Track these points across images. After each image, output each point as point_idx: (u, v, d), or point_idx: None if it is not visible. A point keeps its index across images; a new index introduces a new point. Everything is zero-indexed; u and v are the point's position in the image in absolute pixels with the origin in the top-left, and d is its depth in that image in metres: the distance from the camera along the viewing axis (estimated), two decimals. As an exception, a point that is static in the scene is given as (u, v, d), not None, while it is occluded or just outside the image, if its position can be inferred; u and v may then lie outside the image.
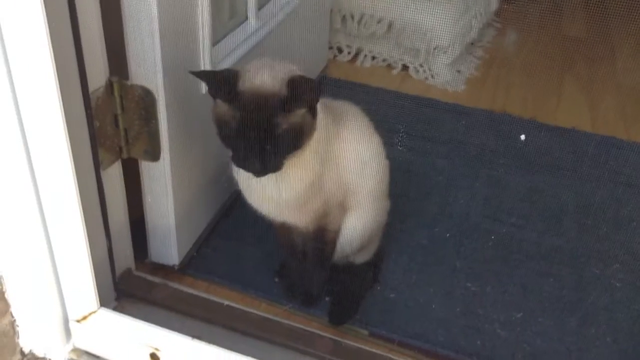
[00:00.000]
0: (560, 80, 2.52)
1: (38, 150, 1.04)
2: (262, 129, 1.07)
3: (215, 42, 1.46)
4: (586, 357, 1.37)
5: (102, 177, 1.23)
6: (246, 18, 1.65)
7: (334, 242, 1.36)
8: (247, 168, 1.12)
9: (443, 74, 2.50)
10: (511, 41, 2.96)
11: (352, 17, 2.56)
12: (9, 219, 1.12)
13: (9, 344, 1.23)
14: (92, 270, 1.17)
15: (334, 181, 1.26)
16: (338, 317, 1.42)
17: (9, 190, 1.09)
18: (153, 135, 1.28)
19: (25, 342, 1.26)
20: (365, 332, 1.40)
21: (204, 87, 1.41)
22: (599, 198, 1.88)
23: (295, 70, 1.13)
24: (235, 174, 1.25)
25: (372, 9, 2.52)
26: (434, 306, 1.47)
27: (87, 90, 1.13)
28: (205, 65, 1.38)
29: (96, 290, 1.20)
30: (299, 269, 1.44)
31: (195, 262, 1.54)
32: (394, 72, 2.58)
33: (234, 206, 1.69)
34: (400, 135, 1.81)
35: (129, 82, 1.23)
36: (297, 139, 1.11)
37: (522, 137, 2.08)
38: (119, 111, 1.23)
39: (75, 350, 1.27)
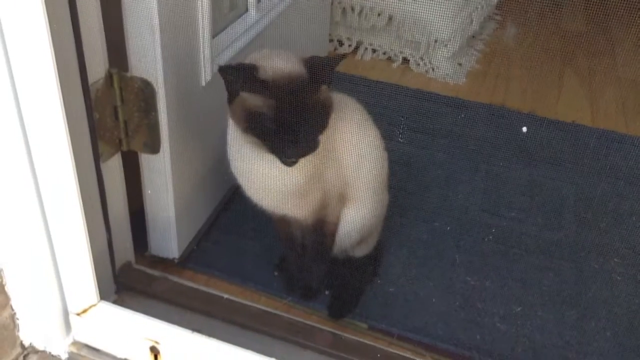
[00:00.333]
0: (560, 74, 2.52)
1: (38, 142, 1.04)
2: (298, 111, 1.08)
3: (215, 33, 1.45)
4: (586, 350, 1.37)
5: (102, 170, 1.22)
6: (246, 10, 1.64)
7: (333, 235, 1.36)
8: (289, 154, 1.11)
9: (444, 67, 2.50)
10: (512, 34, 2.95)
11: (353, 9, 2.55)
12: (9, 212, 1.11)
13: (9, 337, 1.23)
14: (92, 263, 1.17)
15: (334, 172, 1.26)
16: (338, 311, 1.42)
17: (9, 183, 1.08)
18: (153, 127, 1.28)
19: (26, 335, 1.25)
20: (365, 326, 1.40)
21: (204, 79, 1.40)
22: (599, 192, 1.88)
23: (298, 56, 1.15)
24: (233, 169, 1.25)
25: (373, 1, 2.51)
26: (433, 300, 1.47)
27: (87, 82, 1.12)
28: (205, 57, 1.37)
29: (96, 284, 1.20)
30: (299, 263, 1.44)
31: (195, 256, 1.54)
32: (395, 65, 2.57)
33: (234, 200, 1.69)
34: (401, 127, 1.80)
35: (128, 74, 1.22)
36: (326, 115, 1.14)
37: (524, 129, 2.08)
38: (118, 103, 1.22)
39: (76, 343, 1.27)
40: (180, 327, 1.18)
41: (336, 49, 2.62)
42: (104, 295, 1.23)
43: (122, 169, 1.31)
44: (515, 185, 1.88)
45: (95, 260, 1.17)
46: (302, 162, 1.17)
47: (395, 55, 2.59)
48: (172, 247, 1.48)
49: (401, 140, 1.80)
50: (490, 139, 2.06)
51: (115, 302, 1.31)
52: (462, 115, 2.20)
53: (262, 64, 1.10)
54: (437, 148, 2.01)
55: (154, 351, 1.20)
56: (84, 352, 1.26)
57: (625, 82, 2.50)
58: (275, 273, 1.51)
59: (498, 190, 1.85)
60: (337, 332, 1.31)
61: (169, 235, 1.46)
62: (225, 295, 1.38)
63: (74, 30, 1.05)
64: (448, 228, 1.69)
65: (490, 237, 1.67)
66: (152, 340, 1.19)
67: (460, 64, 2.56)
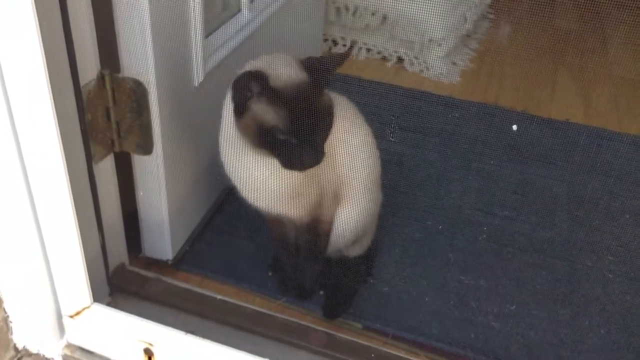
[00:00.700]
0: (553, 72, 2.52)
1: (29, 144, 1.03)
2: (310, 117, 1.07)
3: (207, 33, 1.44)
4: (580, 348, 1.38)
5: (95, 171, 1.22)
6: (239, 9, 1.64)
7: (327, 235, 1.36)
8: (307, 164, 1.08)
9: (438, 66, 2.50)
10: (505, 33, 2.95)
11: (347, 9, 2.55)
12: (0, 215, 1.11)
13: (2, 339, 1.22)
14: (85, 266, 1.16)
15: (328, 171, 1.26)
16: (332, 311, 1.42)
17: (0, 185, 1.07)
18: (145, 128, 1.27)
19: (19, 338, 1.25)
20: (359, 326, 1.40)
21: (196, 80, 1.39)
22: (591, 190, 1.88)
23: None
24: (228, 170, 1.24)
25: (367, 1, 2.51)
26: (427, 299, 1.47)
27: (79, 84, 1.11)
28: (197, 57, 1.36)
29: (89, 286, 1.20)
30: (293, 263, 1.44)
31: (188, 257, 1.54)
32: (389, 64, 2.57)
33: (228, 201, 1.68)
34: (392, 126, 1.80)
35: (120, 75, 1.22)
36: (332, 116, 1.12)
37: (514, 127, 2.08)
38: (110, 104, 1.22)
39: (69, 345, 1.26)
40: (174, 329, 1.17)
41: (331, 49, 2.62)
42: (97, 298, 1.23)
43: (114, 170, 1.31)
44: (508, 183, 1.89)
45: (89, 262, 1.17)
46: None
47: (389, 54, 2.59)
48: (165, 248, 1.48)
49: (392, 140, 1.79)
50: (484, 137, 2.06)
51: (108, 304, 1.31)
52: (456, 114, 2.21)
53: (269, 72, 1.08)
54: (429, 147, 2.01)
55: (148, 353, 1.20)
56: (77, 355, 1.25)
57: (618, 79, 2.51)
58: (270, 273, 1.51)
59: (491, 188, 1.86)
60: (331, 332, 1.31)
61: (162, 236, 1.46)
62: (219, 296, 1.38)
63: (64, 32, 1.05)
64: (440, 227, 1.69)
65: (484, 236, 1.67)
66: (146, 342, 1.19)
67: (454, 63, 2.57)
